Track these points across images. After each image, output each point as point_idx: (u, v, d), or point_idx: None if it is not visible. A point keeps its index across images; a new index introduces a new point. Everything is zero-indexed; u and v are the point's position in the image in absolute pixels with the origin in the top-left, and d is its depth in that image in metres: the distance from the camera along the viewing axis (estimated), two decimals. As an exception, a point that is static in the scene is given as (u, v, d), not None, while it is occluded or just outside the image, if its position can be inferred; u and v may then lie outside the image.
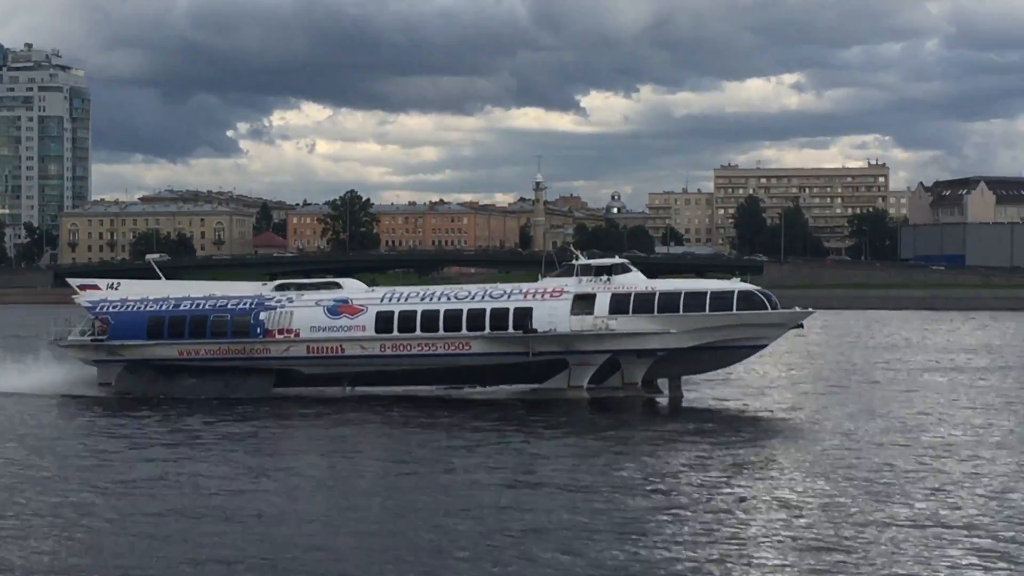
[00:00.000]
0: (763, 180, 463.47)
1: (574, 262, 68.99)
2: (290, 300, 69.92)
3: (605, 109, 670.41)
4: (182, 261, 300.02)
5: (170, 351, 70.59)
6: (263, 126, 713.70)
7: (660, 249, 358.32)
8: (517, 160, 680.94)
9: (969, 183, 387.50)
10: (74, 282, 76.77)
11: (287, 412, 62.63)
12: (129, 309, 71.91)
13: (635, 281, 67.42)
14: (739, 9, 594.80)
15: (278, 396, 67.98)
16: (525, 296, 67.49)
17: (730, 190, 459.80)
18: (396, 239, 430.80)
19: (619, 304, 65.85)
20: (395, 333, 67.43)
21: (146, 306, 71.78)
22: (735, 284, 67.45)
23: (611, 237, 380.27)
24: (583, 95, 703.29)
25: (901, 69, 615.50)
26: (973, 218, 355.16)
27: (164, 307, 71.43)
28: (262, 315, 69.41)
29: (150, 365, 70.92)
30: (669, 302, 65.55)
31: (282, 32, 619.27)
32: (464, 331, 66.72)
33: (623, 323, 65.58)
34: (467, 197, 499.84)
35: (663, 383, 69.24)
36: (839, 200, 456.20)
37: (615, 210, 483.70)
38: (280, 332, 68.87)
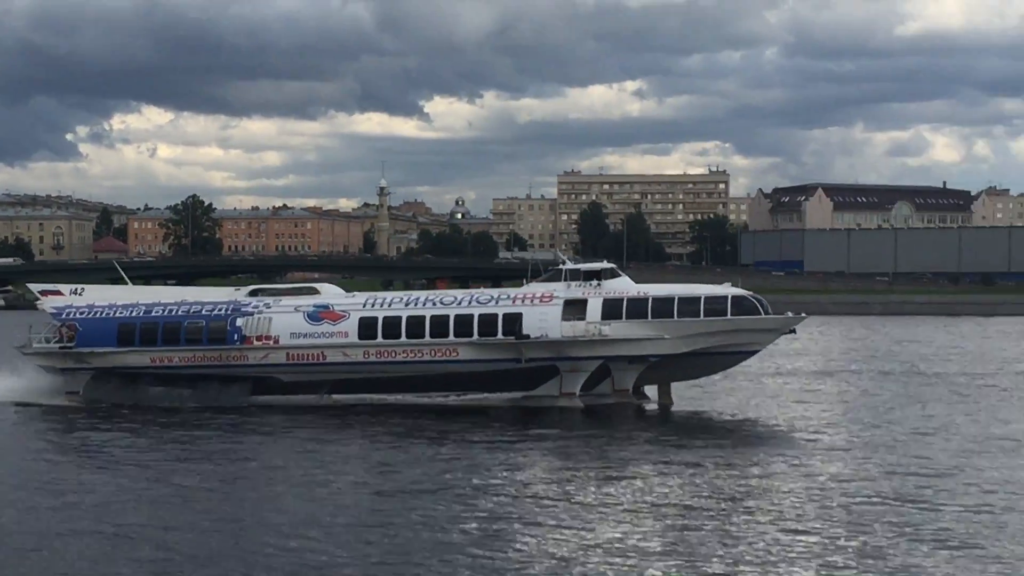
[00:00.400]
0: (606, 186, 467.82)
1: (561, 267, 67.41)
2: (267, 306, 67.94)
3: (449, 114, 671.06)
4: (34, 266, 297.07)
5: (142, 358, 68.40)
6: (103, 130, 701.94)
7: (504, 254, 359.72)
8: (361, 165, 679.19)
9: (807, 190, 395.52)
10: (35, 287, 73.91)
11: (250, 423, 60.36)
12: (98, 315, 69.65)
13: (625, 286, 66.14)
14: (581, 16, 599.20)
15: (255, 404, 65.82)
16: (514, 301, 65.91)
17: (573, 196, 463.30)
18: (239, 244, 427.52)
19: (612, 309, 64.65)
20: (379, 339, 65.85)
21: (115, 312, 69.65)
22: (728, 289, 66.46)
23: (455, 243, 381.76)
24: (427, 100, 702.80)
25: (741, 77, 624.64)
26: (811, 224, 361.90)
27: (135, 313, 69.34)
28: (239, 321, 67.38)
29: (120, 373, 68.76)
30: (663, 307, 64.48)
31: (122, 35, 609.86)
32: (451, 337, 65.14)
33: (616, 329, 64.25)
34: (311, 202, 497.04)
35: (650, 390, 68.32)
36: (680, 206, 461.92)
37: (459, 215, 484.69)
38: (258, 339, 66.88)
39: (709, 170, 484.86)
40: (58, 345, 69.37)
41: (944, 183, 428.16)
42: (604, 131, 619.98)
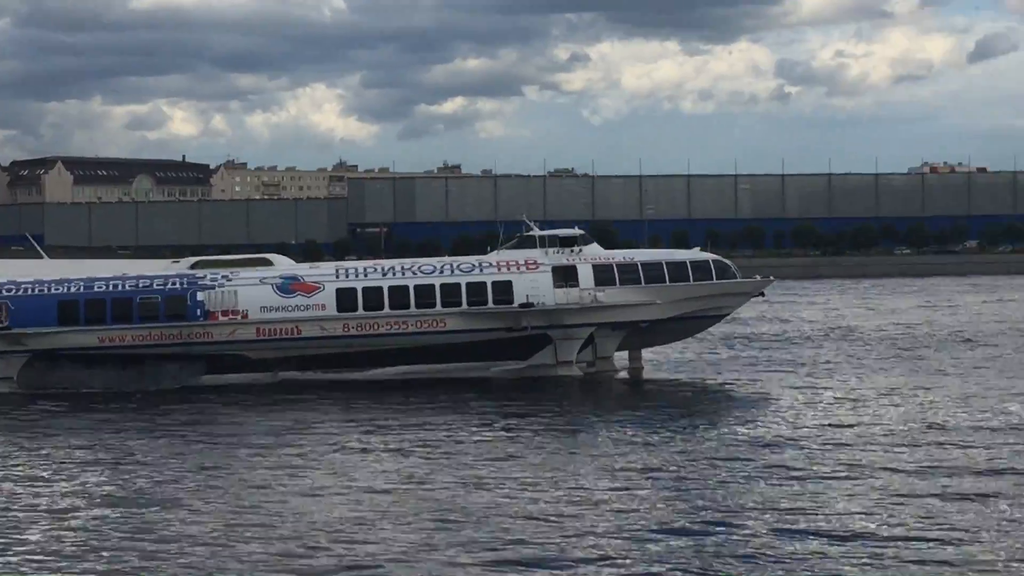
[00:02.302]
0: None
1: (532, 233, 65.32)
2: (227, 278, 62.31)
3: None
4: None
5: (88, 338, 61.61)
6: None
7: None
8: None
9: (47, 163, 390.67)
10: None
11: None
12: (30, 292, 61.84)
13: (603, 252, 65.35)
14: None
15: (208, 385, 61.47)
16: (499, 269, 63.40)
17: None
18: None
19: (604, 275, 63.43)
20: (360, 311, 61.90)
21: (50, 288, 61.92)
22: (704, 253, 66.43)
23: None
24: None
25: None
26: (51, 198, 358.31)
27: (75, 288, 62.12)
28: (200, 295, 61.62)
29: (62, 355, 61.57)
30: (655, 272, 63.84)
31: None
32: (439, 307, 62.29)
33: (611, 295, 63.06)
34: None
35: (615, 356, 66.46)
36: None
37: None
38: (224, 313, 61.42)
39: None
40: None
41: (184, 157, 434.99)
42: None
